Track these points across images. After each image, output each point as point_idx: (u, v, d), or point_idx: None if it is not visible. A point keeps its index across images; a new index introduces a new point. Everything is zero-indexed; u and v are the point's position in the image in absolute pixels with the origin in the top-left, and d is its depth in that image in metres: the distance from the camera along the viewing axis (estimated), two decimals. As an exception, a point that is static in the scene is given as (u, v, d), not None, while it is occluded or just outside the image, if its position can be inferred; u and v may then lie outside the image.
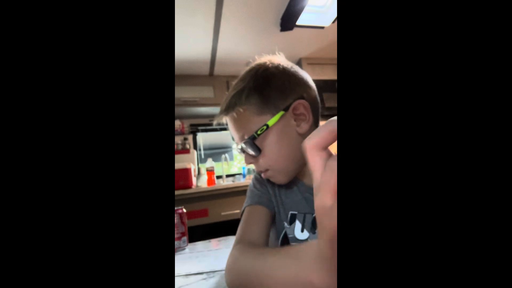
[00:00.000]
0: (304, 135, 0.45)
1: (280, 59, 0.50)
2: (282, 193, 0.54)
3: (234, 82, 0.50)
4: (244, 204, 0.54)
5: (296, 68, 0.50)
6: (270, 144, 0.46)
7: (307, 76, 0.51)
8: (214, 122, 0.51)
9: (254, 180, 0.58)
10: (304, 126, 0.46)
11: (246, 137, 0.46)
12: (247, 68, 0.50)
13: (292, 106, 0.45)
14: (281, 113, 0.44)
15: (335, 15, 1.67)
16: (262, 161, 0.47)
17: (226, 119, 0.50)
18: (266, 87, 0.46)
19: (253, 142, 0.45)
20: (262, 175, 0.51)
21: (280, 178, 0.50)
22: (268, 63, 0.49)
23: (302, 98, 0.46)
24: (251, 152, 0.47)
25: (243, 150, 0.48)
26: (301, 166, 0.49)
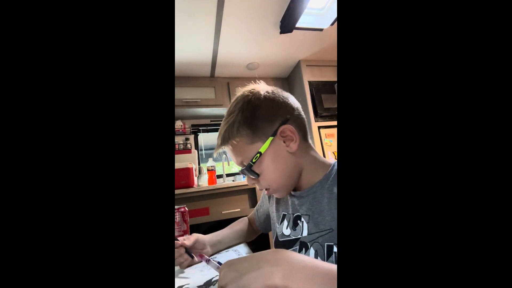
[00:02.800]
0: (295, 153, 0.51)
1: (260, 87, 0.55)
2: (275, 198, 0.64)
3: (225, 115, 0.55)
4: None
5: (277, 92, 0.54)
6: (266, 167, 0.51)
7: (289, 96, 0.55)
8: (214, 154, 0.58)
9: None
10: (293, 146, 0.51)
11: (244, 163, 0.51)
12: (233, 100, 0.55)
13: (279, 130, 0.50)
14: (270, 139, 0.50)
15: (333, 17, 1.70)
16: (262, 182, 0.53)
17: (225, 149, 0.55)
18: (253, 119, 0.50)
19: (251, 168, 0.51)
20: (265, 192, 0.59)
21: (280, 194, 0.57)
22: (250, 95, 0.53)
23: (287, 120, 0.51)
24: (251, 176, 0.52)
25: (244, 173, 0.54)
26: (297, 180, 0.55)
